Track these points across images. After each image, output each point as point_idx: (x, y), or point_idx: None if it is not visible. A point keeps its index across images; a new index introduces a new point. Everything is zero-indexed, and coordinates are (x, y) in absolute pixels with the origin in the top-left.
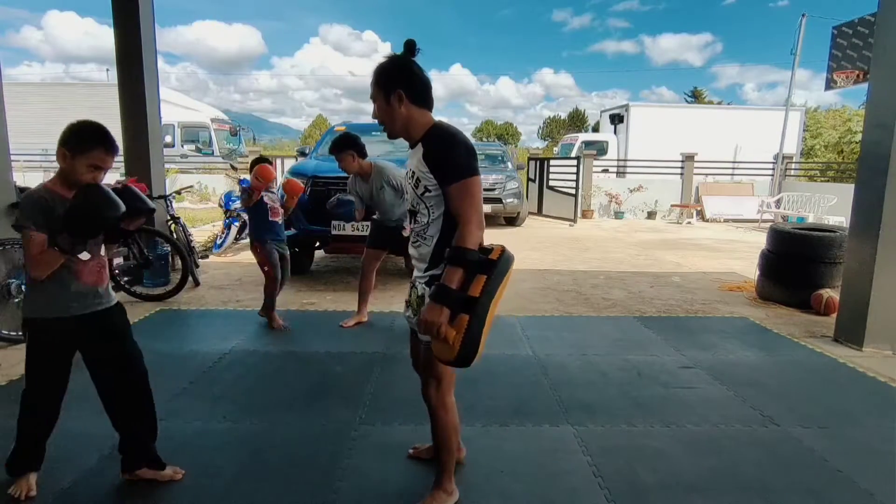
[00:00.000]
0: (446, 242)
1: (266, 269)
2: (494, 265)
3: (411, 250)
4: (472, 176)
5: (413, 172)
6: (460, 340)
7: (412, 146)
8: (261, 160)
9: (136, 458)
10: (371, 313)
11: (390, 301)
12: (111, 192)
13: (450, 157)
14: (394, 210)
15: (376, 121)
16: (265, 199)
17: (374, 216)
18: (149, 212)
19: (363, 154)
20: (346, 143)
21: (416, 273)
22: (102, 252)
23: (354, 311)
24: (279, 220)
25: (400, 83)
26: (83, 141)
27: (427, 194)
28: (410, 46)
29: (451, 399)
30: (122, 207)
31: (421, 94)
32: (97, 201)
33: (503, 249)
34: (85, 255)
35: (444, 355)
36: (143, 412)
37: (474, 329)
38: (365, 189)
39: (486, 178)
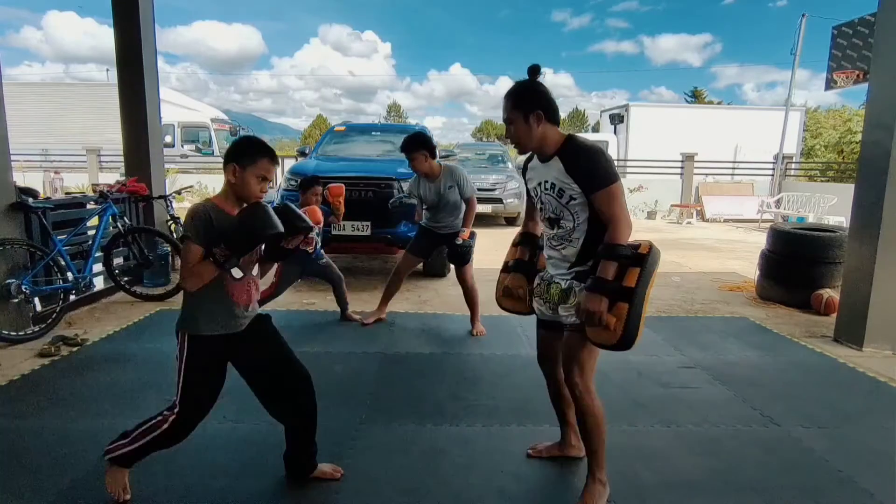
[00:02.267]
0: (592, 242)
1: (274, 280)
2: (646, 258)
3: (552, 252)
4: (616, 181)
5: (553, 184)
6: (622, 326)
7: (544, 160)
8: (311, 182)
9: (308, 466)
10: (371, 314)
11: (393, 301)
12: (271, 211)
13: (595, 167)
14: (451, 213)
15: (510, 140)
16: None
17: (422, 221)
18: (306, 230)
19: (434, 154)
20: (420, 143)
21: (553, 271)
22: (255, 272)
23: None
24: (310, 249)
25: (538, 105)
26: (252, 153)
27: (572, 202)
28: (536, 70)
29: (594, 385)
30: (280, 227)
31: (554, 112)
32: (256, 218)
33: (651, 245)
34: (237, 273)
35: (606, 340)
36: (313, 412)
37: (634, 315)
38: (430, 190)
39: (487, 178)
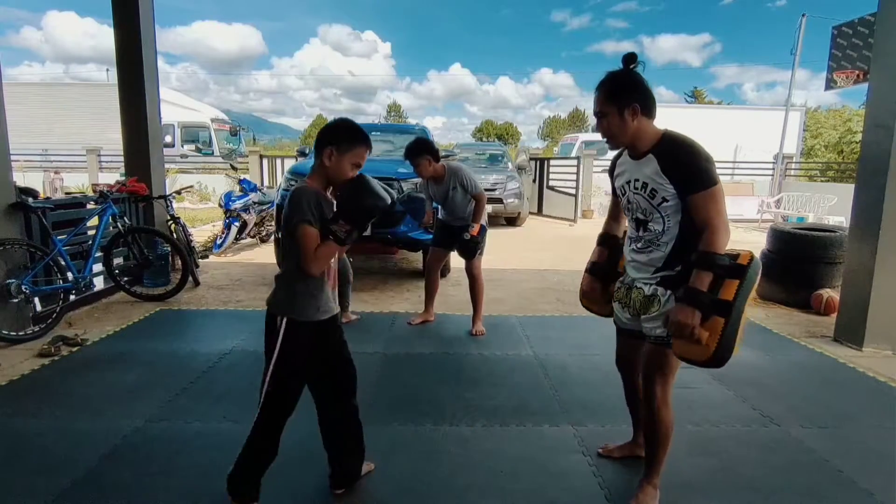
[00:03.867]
0: (681, 247)
1: None
2: (746, 270)
3: (636, 255)
4: (715, 185)
5: (646, 184)
6: (716, 341)
7: (636, 156)
8: None
9: (354, 472)
10: (371, 314)
11: (390, 301)
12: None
13: (692, 167)
14: (462, 209)
15: (600, 136)
16: None
17: (440, 216)
18: (393, 205)
19: (437, 158)
20: (422, 149)
21: (636, 274)
22: None
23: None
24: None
25: (635, 97)
26: (351, 139)
27: (664, 204)
28: (633, 58)
29: (671, 397)
30: (388, 198)
31: (652, 105)
32: (370, 191)
33: (752, 255)
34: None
35: (697, 355)
36: (357, 418)
37: (730, 331)
38: (439, 191)
39: (487, 179)
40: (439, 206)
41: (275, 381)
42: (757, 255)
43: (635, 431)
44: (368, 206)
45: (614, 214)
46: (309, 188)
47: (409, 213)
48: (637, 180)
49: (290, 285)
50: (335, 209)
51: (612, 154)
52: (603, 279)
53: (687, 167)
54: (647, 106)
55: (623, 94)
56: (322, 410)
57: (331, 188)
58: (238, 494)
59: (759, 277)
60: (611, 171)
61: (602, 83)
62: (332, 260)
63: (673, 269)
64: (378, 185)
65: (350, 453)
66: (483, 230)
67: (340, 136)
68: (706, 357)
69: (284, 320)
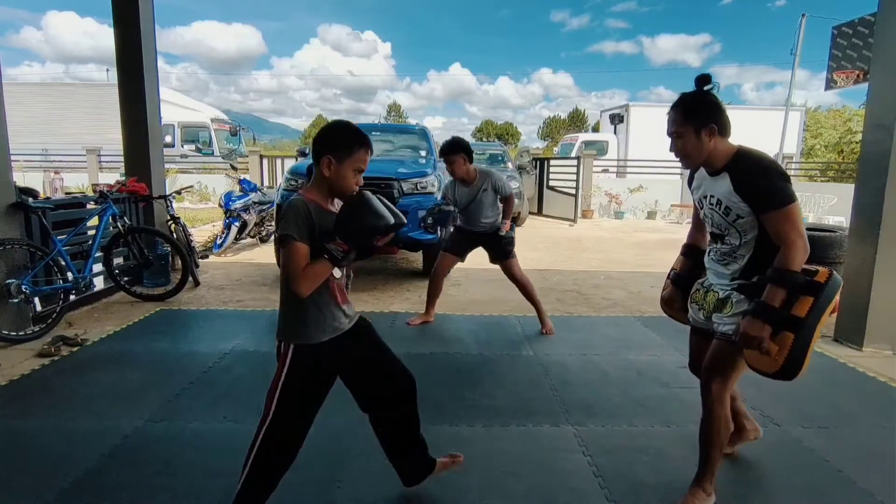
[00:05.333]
0: (758, 260)
1: None
2: (822, 288)
3: (715, 265)
4: (792, 203)
5: (720, 201)
6: (784, 356)
7: (711, 173)
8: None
9: (422, 470)
10: (371, 313)
11: (390, 301)
12: (381, 201)
13: (767, 186)
14: (485, 213)
15: (674, 154)
16: None
17: (458, 223)
18: (400, 225)
19: (472, 158)
20: (460, 147)
21: (713, 279)
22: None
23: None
24: None
25: (713, 118)
26: (349, 144)
27: (739, 220)
28: (707, 80)
29: (728, 397)
30: (391, 219)
31: (727, 125)
32: (371, 209)
33: (831, 273)
34: (337, 272)
35: (764, 367)
36: (417, 419)
37: (799, 346)
38: (465, 193)
39: None
40: (457, 211)
41: (277, 407)
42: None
43: (737, 425)
44: (368, 226)
45: (698, 224)
46: (302, 201)
47: (438, 224)
48: (712, 196)
49: (292, 307)
50: (333, 226)
51: (612, 154)
52: (684, 290)
53: (761, 186)
54: (723, 126)
55: (700, 114)
56: (373, 413)
57: (333, 199)
58: None
59: (837, 295)
60: (689, 183)
61: (678, 104)
62: (343, 274)
63: (750, 280)
64: (380, 204)
65: (416, 425)
66: (512, 228)
67: (337, 142)
68: (774, 370)
69: (291, 347)
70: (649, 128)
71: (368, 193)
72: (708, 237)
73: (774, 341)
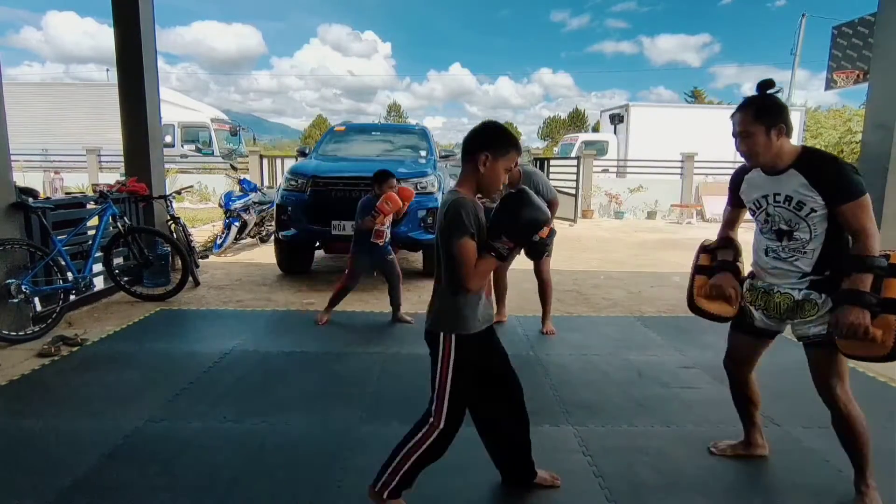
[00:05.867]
0: (828, 253)
1: (346, 272)
2: None
3: (778, 263)
4: (865, 194)
5: (791, 197)
6: (892, 337)
7: (774, 172)
8: (386, 175)
9: (527, 475)
10: (371, 313)
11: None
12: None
13: (844, 179)
14: None
15: (742, 154)
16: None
17: None
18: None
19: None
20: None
21: (774, 280)
22: None
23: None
24: (381, 242)
25: (782, 119)
26: (505, 143)
27: (812, 214)
28: (770, 84)
29: (852, 393)
30: (549, 214)
31: (791, 126)
32: (533, 203)
33: None
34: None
35: (872, 352)
36: (527, 423)
37: None
38: None
39: None
40: None
41: (451, 398)
42: None
43: (747, 431)
44: (533, 221)
45: (731, 224)
46: (466, 198)
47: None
48: (778, 194)
49: (451, 299)
50: (494, 223)
51: (612, 154)
52: (736, 276)
53: (837, 180)
54: (789, 127)
55: (770, 114)
56: (490, 422)
57: (479, 195)
58: (392, 494)
59: None
60: (735, 186)
61: (748, 105)
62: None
63: (822, 274)
64: (537, 197)
65: (525, 430)
66: (553, 232)
67: (493, 140)
68: (884, 353)
69: (452, 336)
70: (649, 128)
71: (526, 188)
72: (762, 238)
73: (875, 325)
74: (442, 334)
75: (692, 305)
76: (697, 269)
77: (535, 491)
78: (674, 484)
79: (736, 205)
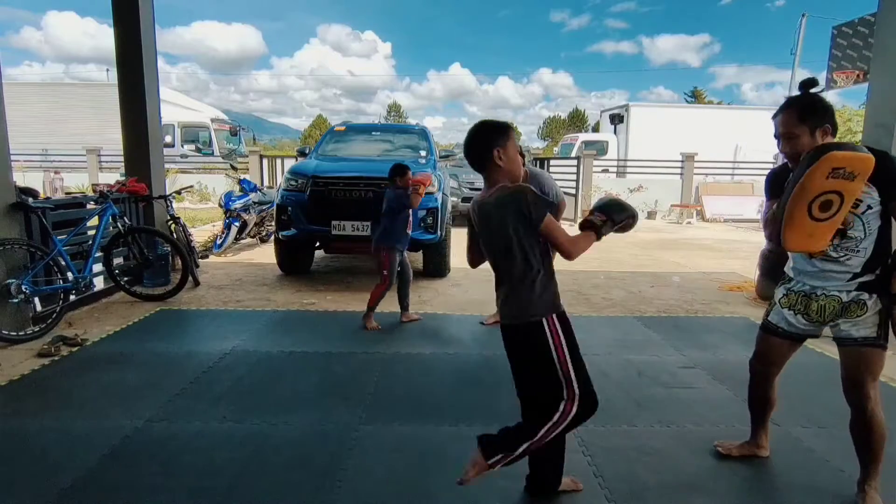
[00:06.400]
0: (878, 251)
1: (385, 272)
2: None
3: (826, 264)
4: None
5: None
6: None
7: None
8: (404, 168)
9: (556, 475)
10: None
11: (391, 301)
12: None
13: None
14: None
15: (785, 155)
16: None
17: None
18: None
19: (524, 160)
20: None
21: (821, 283)
22: None
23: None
24: (410, 230)
25: (827, 119)
26: (503, 131)
27: (869, 211)
28: (814, 83)
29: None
30: (637, 213)
31: (836, 124)
32: (629, 206)
33: None
34: None
35: None
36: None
37: None
38: None
39: None
40: None
41: (580, 376)
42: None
43: (755, 432)
44: (630, 213)
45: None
46: (522, 184)
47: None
48: None
49: (539, 285)
50: (597, 205)
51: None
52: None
53: (894, 174)
54: (835, 127)
55: (816, 115)
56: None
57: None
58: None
59: None
60: (772, 185)
61: (791, 105)
62: None
63: (872, 273)
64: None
65: (548, 462)
66: None
67: (495, 134)
68: None
69: (554, 317)
70: (649, 128)
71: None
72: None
73: None
74: (545, 319)
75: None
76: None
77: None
78: (674, 484)
79: (779, 195)
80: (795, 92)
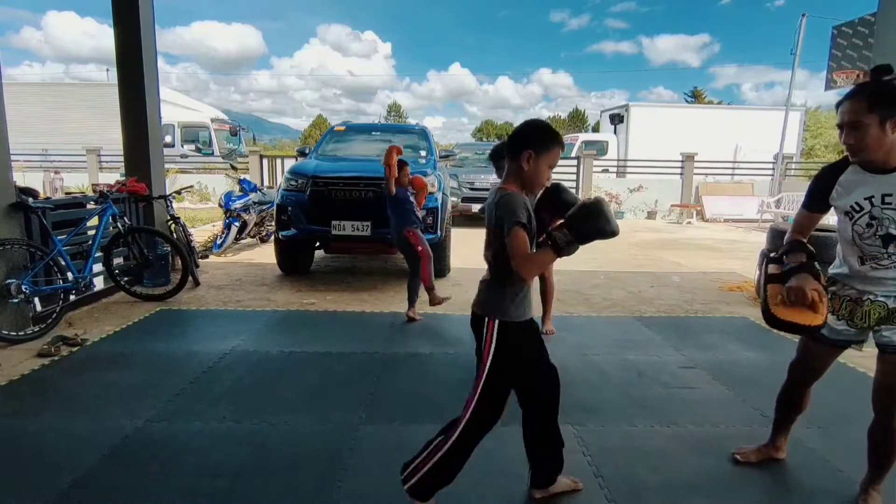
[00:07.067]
0: None
1: (421, 248)
2: None
3: (880, 272)
4: None
5: None
6: None
7: (882, 171)
8: (401, 163)
9: (554, 469)
10: (371, 313)
11: (390, 301)
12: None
13: None
14: None
15: (846, 147)
16: (409, 195)
17: None
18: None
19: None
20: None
21: (870, 287)
22: None
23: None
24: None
25: None
26: (547, 141)
27: None
28: (889, 70)
29: None
30: (617, 229)
31: None
32: (608, 216)
33: None
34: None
35: None
36: (557, 415)
37: None
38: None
39: (487, 178)
40: None
41: (489, 382)
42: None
43: (776, 434)
44: (601, 229)
45: (803, 229)
46: (519, 194)
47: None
48: (890, 195)
49: (502, 288)
50: (567, 218)
51: (612, 154)
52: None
53: None
54: None
55: (888, 104)
56: (526, 417)
57: (524, 192)
58: (419, 495)
59: None
60: (824, 188)
61: (860, 92)
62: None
63: None
64: (611, 211)
65: (554, 424)
66: None
67: (537, 138)
68: None
69: (496, 322)
70: (649, 128)
71: (605, 200)
72: (857, 244)
73: None
74: (486, 319)
75: (770, 317)
76: (768, 279)
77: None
78: (673, 484)
79: (817, 209)
80: (796, 92)
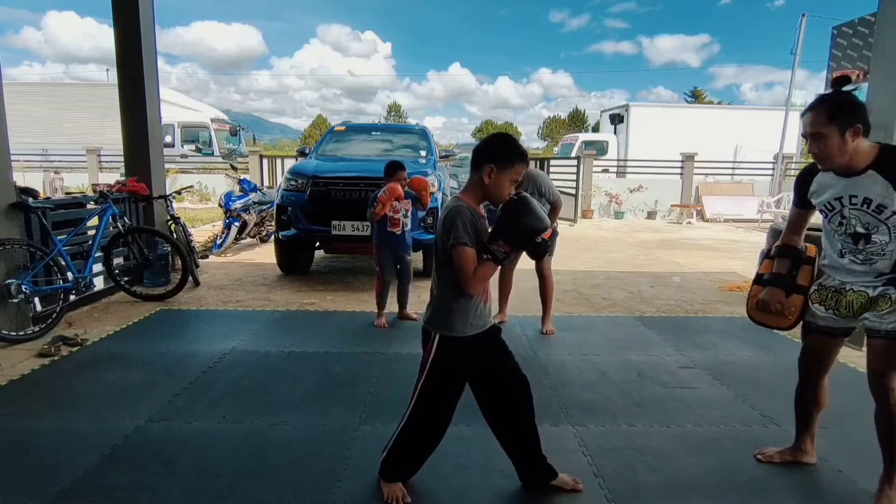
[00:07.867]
0: None
1: (377, 269)
2: None
3: (854, 265)
4: None
5: (870, 200)
6: None
7: (850, 174)
8: (394, 167)
9: (544, 477)
10: (371, 313)
11: (390, 301)
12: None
13: None
14: None
15: (813, 156)
16: (388, 211)
17: None
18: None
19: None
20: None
21: (847, 278)
22: None
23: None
24: (397, 231)
25: (859, 118)
26: (510, 156)
27: (893, 217)
28: (846, 80)
29: None
30: (548, 221)
31: (869, 125)
32: (532, 211)
33: None
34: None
35: None
36: (534, 425)
37: None
38: None
39: None
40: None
41: (424, 391)
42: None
43: (799, 436)
44: (529, 228)
45: (797, 228)
46: (466, 206)
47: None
48: (855, 196)
49: (446, 303)
50: (494, 228)
51: (612, 154)
52: (787, 291)
53: None
54: (867, 126)
55: (845, 114)
56: (490, 416)
57: (485, 203)
58: (382, 473)
59: None
60: (803, 187)
61: (820, 104)
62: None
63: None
64: (538, 205)
65: (533, 434)
66: (555, 233)
67: (499, 152)
68: None
69: (437, 336)
70: (649, 128)
71: (527, 195)
72: (836, 238)
73: None
74: (431, 332)
75: (749, 314)
76: (755, 279)
77: (536, 490)
78: (673, 484)
79: (804, 206)
80: (796, 92)
